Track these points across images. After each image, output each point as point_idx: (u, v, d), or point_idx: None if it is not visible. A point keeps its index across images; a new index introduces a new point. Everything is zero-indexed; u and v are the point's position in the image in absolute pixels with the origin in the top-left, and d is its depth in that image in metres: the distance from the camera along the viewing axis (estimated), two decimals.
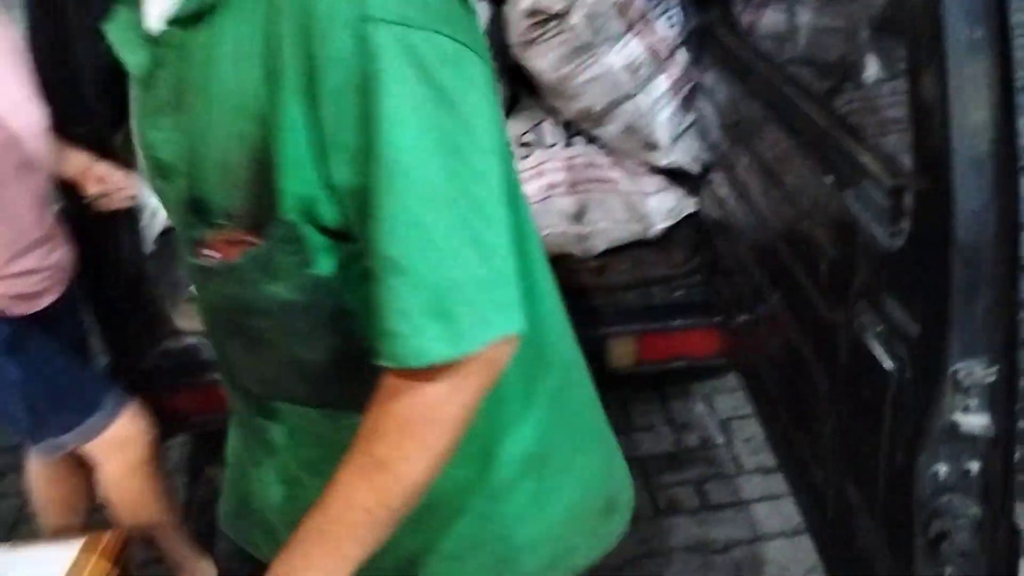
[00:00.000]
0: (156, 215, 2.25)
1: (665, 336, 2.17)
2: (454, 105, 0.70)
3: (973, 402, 0.82)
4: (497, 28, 2.14)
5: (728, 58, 1.79)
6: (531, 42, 2.06)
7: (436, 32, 0.70)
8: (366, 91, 0.67)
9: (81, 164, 1.83)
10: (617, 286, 2.18)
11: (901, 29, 0.93)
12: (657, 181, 2.20)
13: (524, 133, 2.26)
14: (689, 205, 2.19)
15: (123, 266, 2.09)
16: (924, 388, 0.87)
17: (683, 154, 2.15)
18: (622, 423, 2.75)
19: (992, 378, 0.81)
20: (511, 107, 2.35)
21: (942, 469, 0.87)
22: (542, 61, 2.08)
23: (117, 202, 1.85)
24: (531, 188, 2.18)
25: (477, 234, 0.71)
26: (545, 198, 2.18)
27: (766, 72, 1.50)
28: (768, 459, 2.52)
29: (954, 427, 0.84)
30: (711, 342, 2.14)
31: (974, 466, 0.86)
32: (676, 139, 2.15)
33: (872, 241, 0.98)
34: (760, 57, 1.59)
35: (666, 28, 2.06)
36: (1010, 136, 0.82)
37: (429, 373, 0.72)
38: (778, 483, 2.43)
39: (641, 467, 2.57)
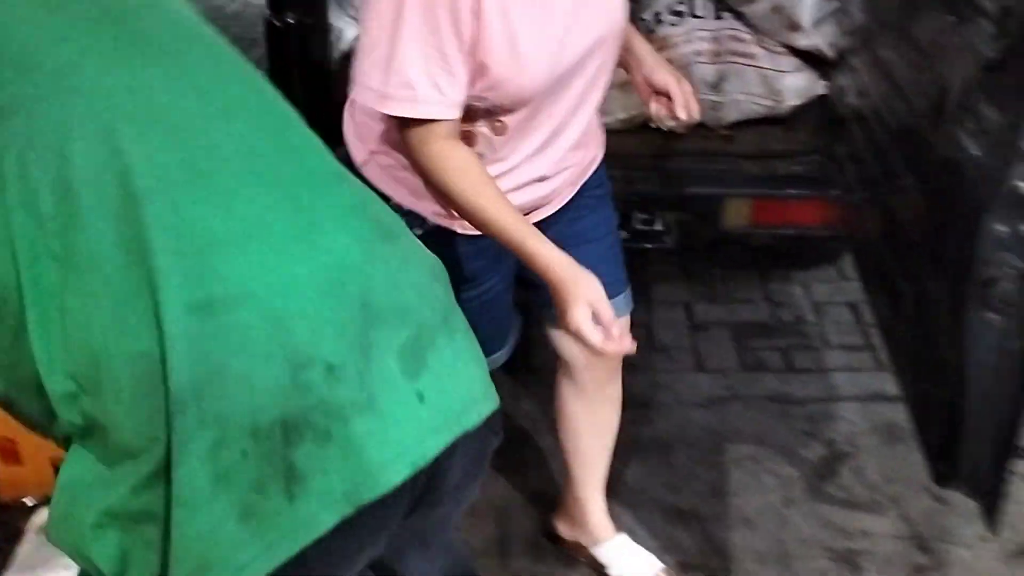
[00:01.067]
0: (342, 37, 2.55)
1: (778, 203, 2.39)
2: None
3: None
4: None
5: None
6: None
7: None
8: None
9: (643, 66, 1.62)
10: (741, 154, 2.40)
11: None
12: (794, 61, 2.40)
13: (678, 2, 2.48)
14: (820, 87, 2.38)
15: (311, 77, 2.40)
16: (998, 164, 1.10)
17: (822, 38, 2.35)
18: (722, 293, 3.00)
19: None
20: None
21: (1001, 229, 1.10)
22: None
23: (678, 125, 1.66)
24: (677, 53, 2.41)
25: None
26: (689, 64, 2.40)
27: None
28: (854, 339, 2.76)
29: (1016, 192, 1.08)
30: (822, 214, 2.36)
31: None
32: (818, 23, 2.34)
33: (978, 58, 1.20)
34: None
35: None
36: None
37: None
38: (859, 359, 2.68)
39: (734, 331, 2.84)
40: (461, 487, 1.09)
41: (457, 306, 1.10)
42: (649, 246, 2.51)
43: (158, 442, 0.86)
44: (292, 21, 2.22)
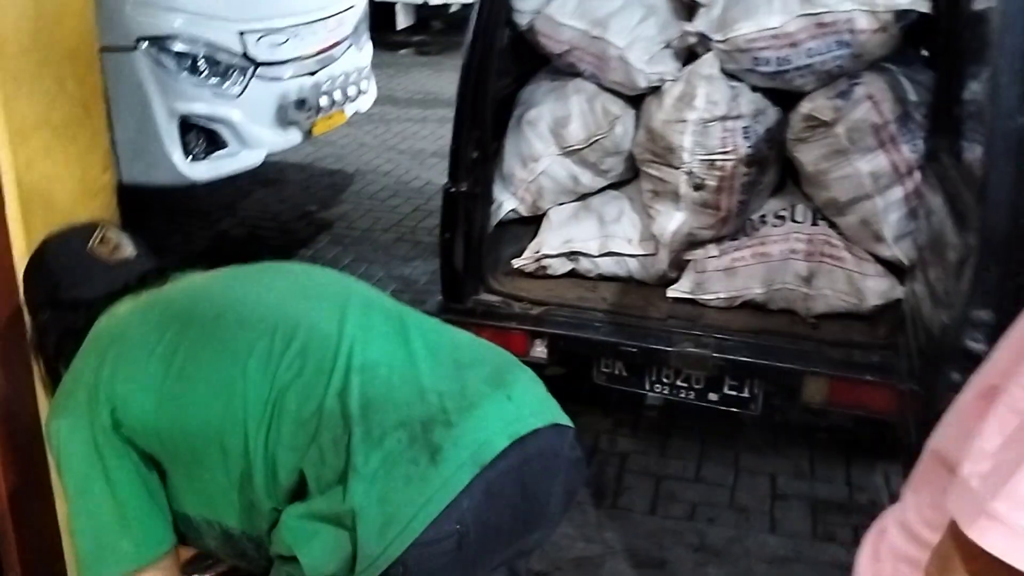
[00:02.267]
0: (501, 207, 3.12)
1: (852, 385, 2.70)
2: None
3: (979, 335, 1.42)
4: (779, 126, 2.86)
5: (941, 176, 2.38)
6: (802, 140, 2.76)
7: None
8: None
9: None
10: (824, 340, 2.77)
11: None
12: (877, 267, 2.78)
13: (782, 208, 2.93)
14: (898, 292, 2.74)
15: (472, 236, 2.96)
16: (959, 328, 1.47)
17: (902, 250, 2.73)
18: (806, 471, 3.27)
19: (990, 320, 1.41)
20: (778, 187, 3.03)
21: (955, 376, 1.45)
22: (807, 155, 2.76)
23: None
24: (777, 249, 2.84)
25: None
26: (785, 259, 2.83)
27: (954, 181, 2.10)
28: None
29: (967, 347, 1.43)
30: (887, 399, 2.65)
31: None
32: (899, 238, 2.73)
33: (957, 264, 1.60)
34: (954, 173, 2.19)
35: (909, 151, 2.67)
36: None
37: None
38: None
39: (812, 505, 3.09)
40: (560, 497, 1.47)
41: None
42: (736, 410, 2.86)
43: (342, 457, 1.33)
44: (464, 190, 2.80)
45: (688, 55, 2.93)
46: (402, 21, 11.22)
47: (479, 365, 1.46)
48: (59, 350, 1.56)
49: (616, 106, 2.99)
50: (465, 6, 11.48)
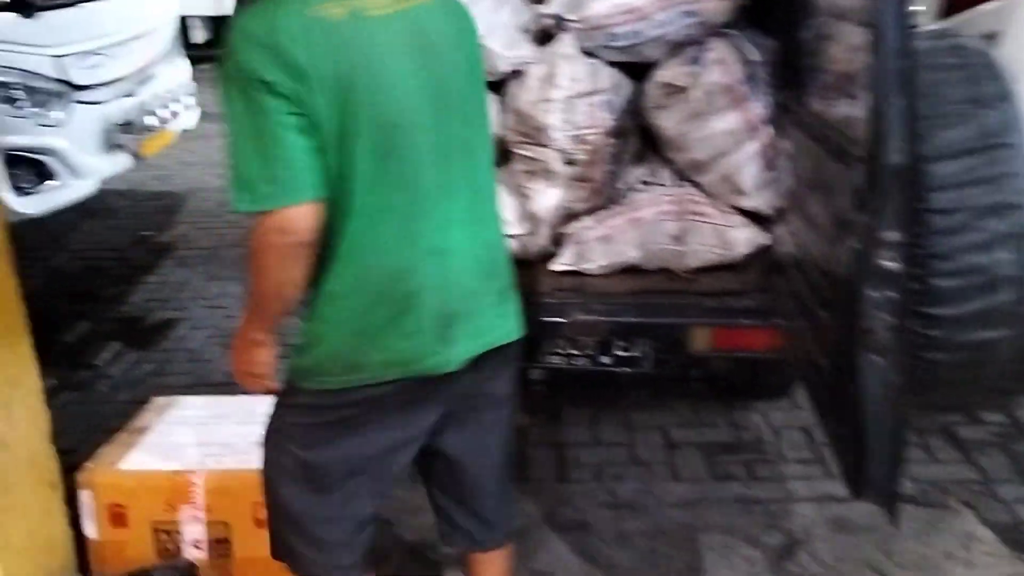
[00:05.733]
0: None
1: (733, 331, 2.90)
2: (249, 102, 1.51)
3: (891, 254, 1.58)
4: (636, 96, 3.01)
5: (799, 124, 2.60)
6: (660, 107, 2.92)
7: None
8: None
9: None
10: (702, 293, 2.95)
11: None
12: (741, 219, 2.98)
13: (646, 174, 3.09)
14: (763, 239, 2.96)
15: None
16: (871, 251, 1.63)
17: (762, 200, 2.95)
18: (693, 420, 3.47)
19: (899, 239, 1.57)
20: (641, 156, 3.18)
21: (874, 295, 1.61)
22: (666, 121, 2.93)
23: None
24: (648, 213, 2.99)
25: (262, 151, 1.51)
26: (657, 221, 2.98)
27: (818, 126, 2.31)
28: (806, 454, 3.22)
29: (882, 268, 1.60)
30: (767, 339, 2.86)
31: (890, 293, 1.60)
32: (758, 188, 2.95)
33: (855, 189, 1.76)
34: (816, 119, 2.39)
35: (759, 107, 2.89)
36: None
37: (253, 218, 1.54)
38: (811, 470, 3.13)
39: (705, 450, 3.29)
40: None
41: None
42: (629, 370, 2.99)
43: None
44: None
45: (543, 37, 3.03)
46: (198, 35, 10.86)
47: (500, 274, 1.89)
48: None
49: None
50: None
